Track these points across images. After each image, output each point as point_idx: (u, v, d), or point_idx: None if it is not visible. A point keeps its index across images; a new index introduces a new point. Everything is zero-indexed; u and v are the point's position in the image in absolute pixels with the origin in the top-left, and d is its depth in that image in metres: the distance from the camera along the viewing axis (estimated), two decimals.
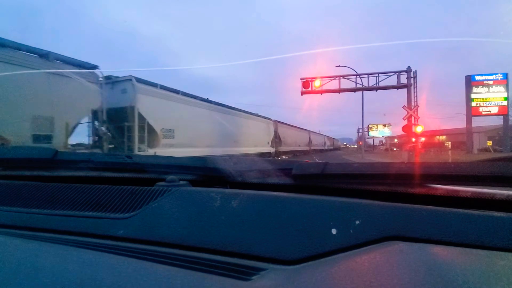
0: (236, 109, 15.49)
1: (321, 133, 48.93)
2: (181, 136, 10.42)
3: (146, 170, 0.86)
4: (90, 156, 0.89)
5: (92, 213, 0.62)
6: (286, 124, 24.71)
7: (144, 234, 0.54)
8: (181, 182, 0.73)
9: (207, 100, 13.04)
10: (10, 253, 0.46)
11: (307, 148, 32.12)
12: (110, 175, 0.85)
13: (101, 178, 0.83)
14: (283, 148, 22.33)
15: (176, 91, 11.18)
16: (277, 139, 21.27)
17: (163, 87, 10.48)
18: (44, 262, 0.43)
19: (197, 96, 12.44)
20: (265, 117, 20.01)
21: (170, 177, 0.73)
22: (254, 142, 16.60)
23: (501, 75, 28.27)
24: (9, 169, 0.93)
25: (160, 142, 9.59)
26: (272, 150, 20.12)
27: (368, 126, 40.66)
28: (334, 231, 0.49)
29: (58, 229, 0.59)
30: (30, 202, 0.69)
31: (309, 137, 34.11)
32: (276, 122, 21.88)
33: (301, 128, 31.37)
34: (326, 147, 48.16)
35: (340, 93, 16.61)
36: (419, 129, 13.45)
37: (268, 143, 19.64)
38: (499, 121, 30.72)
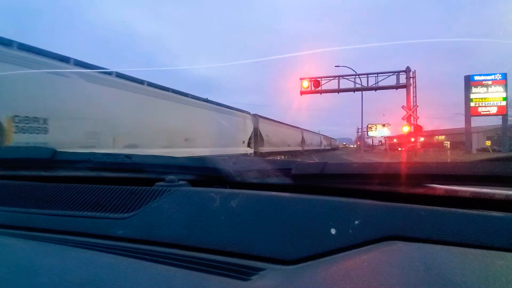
0: (190, 96, 11.00)
1: (317, 132, 43.90)
2: (65, 130, 6.05)
3: (145, 170, 0.86)
4: (89, 156, 0.89)
5: (91, 213, 0.62)
6: (271, 120, 20.64)
7: (143, 234, 0.54)
8: (181, 182, 0.73)
9: (131, 79, 8.14)
10: (9, 253, 0.46)
11: (299, 148, 27.82)
12: (109, 175, 0.85)
13: (100, 178, 0.83)
14: (266, 149, 17.93)
15: (66, 59, 6.45)
16: (258, 138, 17.01)
17: (26, 47, 5.81)
18: (43, 262, 0.43)
19: (113, 72, 7.65)
20: (240, 110, 15.30)
21: (169, 177, 0.73)
22: (220, 140, 12.15)
23: (500, 75, 28.33)
24: (7, 169, 0.93)
25: (11, 139, 5.46)
26: (250, 151, 15.52)
27: (367, 126, 40.57)
28: (333, 231, 0.49)
29: (57, 229, 0.59)
30: (28, 202, 0.69)
31: (302, 136, 29.73)
32: (257, 116, 17.46)
33: (291, 126, 26.79)
34: (322, 147, 43.76)
35: (339, 93, 16.68)
36: (418, 129, 13.48)
37: (243, 142, 14.92)
38: (498, 121, 30.80)
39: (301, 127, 30.49)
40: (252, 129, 16.24)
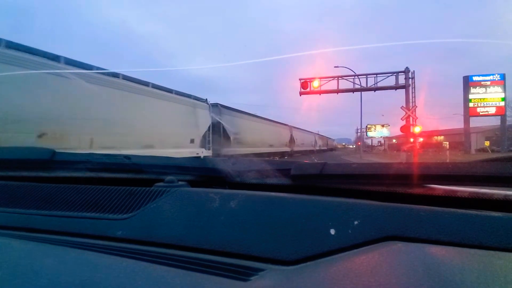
0: (78, 65, 6.45)
1: (310, 131, 37.81)
2: None
3: (144, 170, 0.85)
4: (88, 156, 0.89)
5: (91, 214, 0.62)
6: (242, 112, 15.37)
7: (142, 235, 0.54)
8: (180, 182, 0.73)
9: None
10: (8, 254, 0.46)
11: (286, 149, 23.13)
12: (108, 175, 0.84)
13: (99, 179, 0.83)
14: (236, 150, 13.01)
15: None
16: (220, 136, 12.36)
17: None
18: (42, 263, 0.43)
19: None
20: (187, 95, 10.27)
21: (168, 177, 0.73)
22: (134, 138, 7.28)
23: (498, 75, 28.47)
24: (6, 169, 0.92)
25: None
26: (206, 153, 11.01)
27: (366, 126, 40.42)
28: (332, 231, 0.49)
29: (56, 230, 0.59)
30: (27, 203, 0.68)
31: (291, 135, 24.88)
32: (220, 107, 12.69)
33: (275, 122, 21.62)
34: (317, 148, 38.69)
35: (339, 93, 16.68)
36: (417, 129, 13.51)
37: (191, 141, 10.24)
38: (496, 121, 30.93)
39: (289, 124, 25.55)
40: (210, 124, 11.50)
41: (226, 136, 12.86)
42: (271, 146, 19.40)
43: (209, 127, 11.52)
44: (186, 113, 10.05)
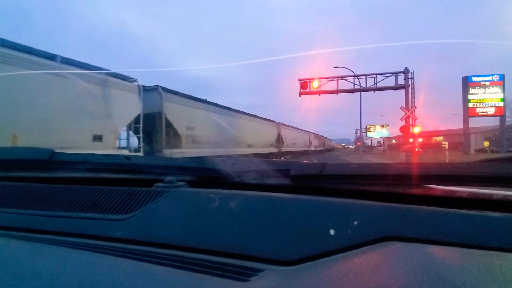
0: None
1: (305, 129, 33.09)
2: None
3: (144, 171, 0.85)
4: (88, 157, 0.89)
5: (90, 214, 0.62)
6: (202, 101, 11.65)
7: (142, 235, 0.54)
8: (180, 183, 0.73)
9: None
10: (7, 255, 0.46)
11: (272, 149, 19.18)
12: (108, 176, 0.84)
13: (99, 179, 0.83)
14: (191, 151, 9.37)
15: None
16: (161, 131, 8.66)
17: None
18: (41, 263, 0.43)
19: None
20: (93, 68, 6.81)
21: (168, 178, 0.73)
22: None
23: (498, 76, 28.50)
24: (5, 170, 0.92)
25: None
26: (138, 155, 6.91)
27: (366, 127, 40.39)
28: (332, 232, 0.50)
29: (55, 230, 0.59)
30: (27, 203, 0.68)
31: (278, 133, 20.78)
32: (162, 91, 8.82)
33: (256, 117, 17.73)
34: (312, 148, 34.15)
35: (338, 94, 16.69)
36: (416, 130, 13.55)
37: (97, 138, 6.58)
38: (495, 122, 30.99)
39: (271, 119, 20.67)
40: (140, 114, 7.76)
41: (173, 132, 9.09)
42: (249, 146, 15.27)
43: (137, 118, 7.65)
44: (85, 94, 6.26)
